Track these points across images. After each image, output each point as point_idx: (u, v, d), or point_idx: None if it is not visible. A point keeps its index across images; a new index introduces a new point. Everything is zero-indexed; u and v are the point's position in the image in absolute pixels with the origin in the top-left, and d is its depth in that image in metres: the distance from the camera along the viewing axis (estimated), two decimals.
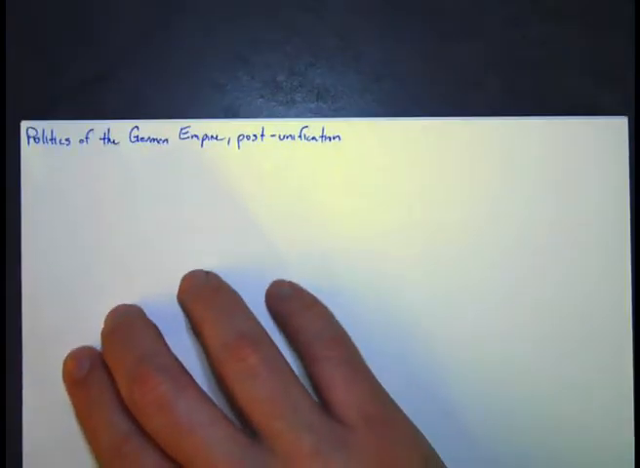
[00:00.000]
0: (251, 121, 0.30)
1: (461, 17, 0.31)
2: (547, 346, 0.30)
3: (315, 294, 0.29)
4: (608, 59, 0.31)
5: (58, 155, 0.29)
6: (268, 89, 0.31)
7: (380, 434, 0.25)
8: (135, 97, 0.30)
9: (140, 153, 0.29)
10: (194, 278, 0.29)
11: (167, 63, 0.30)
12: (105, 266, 0.29)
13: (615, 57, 0.31)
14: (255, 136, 0.30)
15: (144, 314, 0.28)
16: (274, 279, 0.29)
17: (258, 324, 0.27)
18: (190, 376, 0.26)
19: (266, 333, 0.27)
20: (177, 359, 0.26)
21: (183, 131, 0.30)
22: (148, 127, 0.30)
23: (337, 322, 0.28)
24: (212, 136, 0.30)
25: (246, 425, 0.25)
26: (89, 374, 0.27)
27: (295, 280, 0.29)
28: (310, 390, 0.26)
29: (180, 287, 0.29)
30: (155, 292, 0.29)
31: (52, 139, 0.29)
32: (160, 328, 0.28)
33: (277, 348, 0.26)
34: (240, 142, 0.30)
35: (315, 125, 0.30)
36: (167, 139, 0.30)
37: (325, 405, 0.26)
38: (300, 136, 0.30)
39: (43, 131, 0.29)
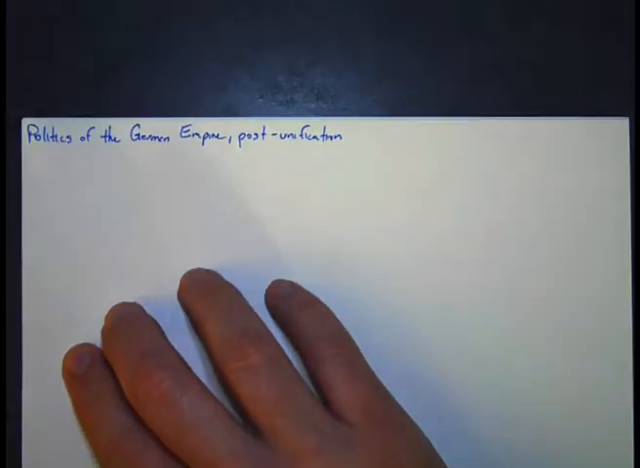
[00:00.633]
0: (252, 119, 0.30)
1: (462, 17, 0.31)
2: (547, 346, 0.30)
3: (315, 294, 0.29)
4: (608, 59, 0.31)
5: (59, 152, 0.29)
6: (268, 89, 0.31)
7: (383, 432, 0.25)
8: (136, 95, 0.30)
9: (141, 151, 0.29)
10: (194, 276, 0.29)
11: (168, 62, 0.30)
12: (106, 264, 0.29)
13: (615, 57, 0.31)
14: (256, 134, 0.30)
15: (145, 311, 0.28)
16: (274, 278, 0.29)
17: (260, 321, 0.27)
18: (193, 373, 0.26)
19: (269, 331, 0.27)
20: (179, 355, 0.26)
21: (185, 129, 0.30)
22: (150, 125, 0.29)
23: (337, 321, 0.28)
24: (213, 135, 0.30)
25: (247, 423, 0.25)
26: (89, 371, 0.27)
27: (295, 279, 0.29)
28: (312, 389, 0.26)
29: (181, 285, 0.29)
30: (155, 289, 0.29)
31: (53, 137, 0.29)
32: (160, 325, 0.28)
33: (279, 346, 0.26)
34: (241, 141, 0.30)
35: (316, 124, 0.30)
36: (168, 138, 0.30)
37: (327, 403, 0.26)
38: (301, 135, 0.30)
39: (44, 128, 0.29)
